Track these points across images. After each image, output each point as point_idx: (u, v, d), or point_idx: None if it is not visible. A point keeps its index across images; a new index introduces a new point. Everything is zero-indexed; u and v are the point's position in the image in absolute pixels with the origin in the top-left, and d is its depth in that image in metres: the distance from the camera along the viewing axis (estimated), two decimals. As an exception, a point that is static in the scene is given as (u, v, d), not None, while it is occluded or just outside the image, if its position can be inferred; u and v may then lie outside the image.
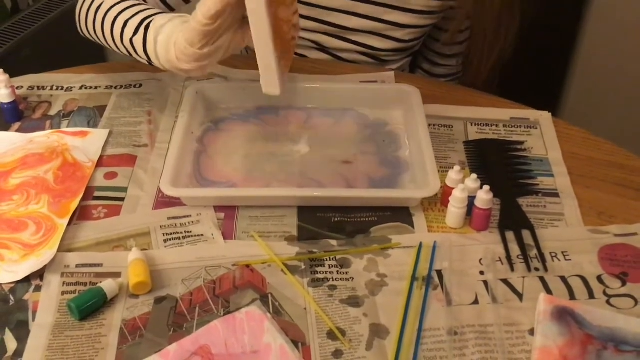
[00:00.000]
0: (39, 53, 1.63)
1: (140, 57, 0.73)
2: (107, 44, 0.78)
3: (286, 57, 0.68)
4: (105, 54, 1.86)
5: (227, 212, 0.72)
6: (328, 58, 0.99)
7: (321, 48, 0.99)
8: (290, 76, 0.90)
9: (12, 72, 1.56)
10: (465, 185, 0.69)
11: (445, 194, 0.71)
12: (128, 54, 0.76)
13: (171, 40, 0.67)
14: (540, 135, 0.82)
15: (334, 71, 0.94)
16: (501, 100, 0.88)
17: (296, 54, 0.99)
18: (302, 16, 0.95)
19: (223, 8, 0.62)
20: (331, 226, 0.71)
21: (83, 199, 0.72)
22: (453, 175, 0.70)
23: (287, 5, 0.66)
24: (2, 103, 0.81)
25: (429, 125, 0.80)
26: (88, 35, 0.83)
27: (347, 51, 0.98)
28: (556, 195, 0.74)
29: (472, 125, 0.84)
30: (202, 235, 0.69)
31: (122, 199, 0.73)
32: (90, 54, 1.81)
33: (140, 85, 0.89)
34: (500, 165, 0.78)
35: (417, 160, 0.76)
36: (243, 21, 0.66)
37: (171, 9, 0.86)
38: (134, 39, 0.72)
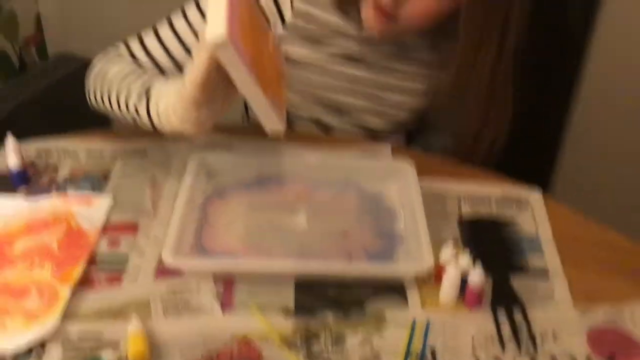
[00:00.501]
0: (45, 111, 1.67)
1: (145, 124, 0.76)
2: (115, 114, 0.82)
3: (279, 94, 0.71)
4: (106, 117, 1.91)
5: (226, 283, 0.74)
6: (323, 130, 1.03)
7: (316, 122, 1.02)
8: (288, 148, 0.93)
9: (19, 130, 1.59)
10: (458, 264, 0.71)
11: (438, 270, 0.74)
12: (134, 122, 0.79)
13: (169, 109, 0.71)
14: (531, 213, 0.85)
15: (332, 144, 0.97)
16: (494, 175, 0.91)
17: (291, 126, 1.03)
18: (298, 92, 0.99)
19: (207, 75, 0.65)
20: (327, 299, 0.72)
21: (87, 267, 0.73)
22: (446, 252, 0.73)
23: (265, 55, 0.69)
24: (10, 169, 0.83)
25: (424, 199, 0.82)
26: (98, 107, 0.86)
27: (342, 126, 1.02)
28: (546, 274, 0.76)
29: (465, 200, 0.87)
30: (201, 306, 0.70)
31: (124, 268, 0.74)
32: (95, 114, 1.86)
33: (145, 153, 0.92)
34: (492, 243, 0.80)
35: (412, 234, 0.79)
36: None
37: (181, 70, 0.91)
38: (138, 109, 0.76)
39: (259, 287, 0.73)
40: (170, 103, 0.71)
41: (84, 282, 0.72)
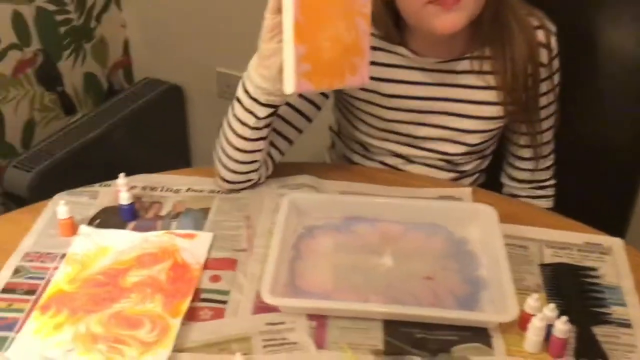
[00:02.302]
0: (132, 132, 1.77)
1: (244, 106, 0.89)
2: (233, 150, 0.93)
3: (320, 67, 0.76)
4: (189, 140, 1.99)
5: (319, 320, 0.79)
6: (401, 162, 1.07)
7: (394, 154, 1.07)
8: (372, 188, 0.98)
9: (107, 154, 1.69)
10: (544, 315, 0.74)
11: (523, 319, 0.76)
12: (242, 136, 0.92)
13: (253, 59, 0.86)
14: (613, 262, 0.87)
15: (413, 183, 1.01)
16: (576, 223, 0.93)
17: (369, 157, 1.08)
18: (371, 126, 1.04)
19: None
20: (415, 342, 0.76)
21: (191, 300, 0.80)
22: (532, 302, 0.76)
23: (342, 2, 0.75)
24: (121, 205, 0.91)
25: (505, 244, 0.85)
26: (227, 171, 0.96)
27: (419, 157, 1.06)
28: (629, 326, 0.78)
29: (547, 247, 0.89)
30: (297, 343, 0.76)
31: (225, 302, 0.81)
32: (176, 137, 1.95)
33: (239, 191, 0.99)
34: (575, 291, 0.83)
35: (495, 280, 0.82)
36: None
37: (307, 119, 0.99)
38: (237, 97, 0.91)
39: (350, 325, 0.78)
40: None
41: (190, 315, 0.79)
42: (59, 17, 1.71)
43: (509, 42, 0.96)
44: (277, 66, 0.81)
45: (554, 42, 1.00)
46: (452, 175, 1.09)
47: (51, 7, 1.68)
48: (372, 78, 0.97)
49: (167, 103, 1.90)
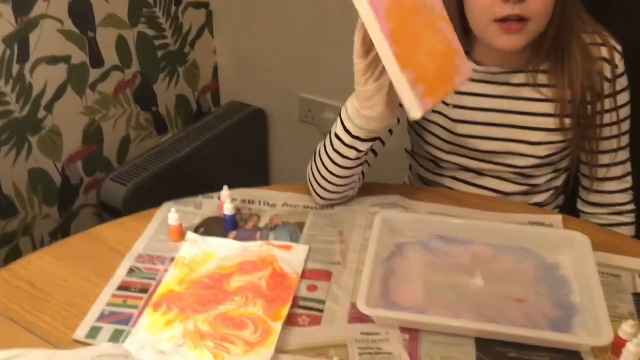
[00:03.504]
0: (216, 154, 1.86)
1: (344, 143, 0.92)
2: (330, 175, 0.97)
3: (431, 81, 0.78)
4: (269, 161, 2.07)
5: (411, 333, 0.82)
6: (471, 175, 1.10)
7: (463, 168, 1.10)
8: (461, 210, 1.01)
9: (193, 172, 1.76)
10: (639, 340, 0.74)
11: (616, 344, 0.77)
12: (339, 164, 0.95)
13: (351, 100, 0.89)
14: None
15: (502, 208, 1.03)
16: (668, 255, 0.93)
17: (440, 174, 1.12)
18: (440, 138, 1.08)
19: (363, 42, 0.79)
20: (507, 360, 0.78)
21: (290, 307, 0.84)
22: (627, 328, 0.76)
23: (423, 15, 0.78)
24: (225, 215, 0.97)
25: (598, 272, 0.86)
26: (322, 190, 1.00)
27: (488, 170, 1.08)
28: None
29: (639, 277, 0.89)
30: (391, 353, 0.79)
31: (322, 310, 0.85)
32: (257, 158, 2.03)
33: (332, 207, 1.03)
34: (670, 321, 0.83)
35: (588, 306, 0.83)
36: None
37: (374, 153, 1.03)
38: (335, 131, 0.94)
39: (441, 340, 0.81)
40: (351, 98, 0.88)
41: (289, 320, 0.83)
42: (157, 42, 1.82)
43: (567, 55, 0.99)
44: (381, 104, 0.85)
45: (618, 59, 1.01)
46: (523, 188, 1.10)
47: (151, 32, 1.79)
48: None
49: (250, 125, 1.98)
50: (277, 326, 0.81)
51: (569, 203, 1.17)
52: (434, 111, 1.07)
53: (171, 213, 0.94)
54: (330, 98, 1.81)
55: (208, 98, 2.06)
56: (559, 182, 1.12)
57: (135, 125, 1.83)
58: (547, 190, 1.12)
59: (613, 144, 1.05)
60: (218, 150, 1.87)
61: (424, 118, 1.06)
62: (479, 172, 1.10)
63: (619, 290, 0.87)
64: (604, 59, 1.01)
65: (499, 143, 1.06)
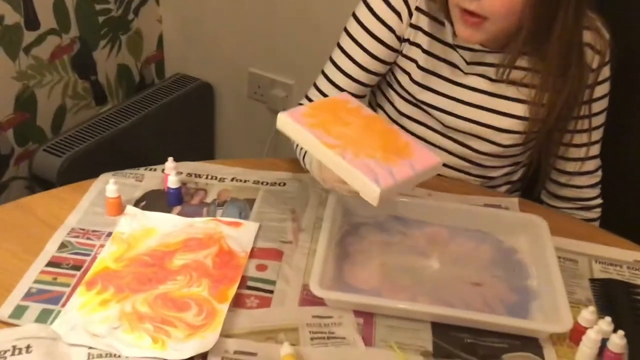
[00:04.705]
0: (158, 128, 1.77)
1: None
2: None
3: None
4: (214, 138, 2.00)
5: (366, 317, 0.78)
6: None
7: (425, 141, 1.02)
8: (418, 191, 0.97)
9: (134, 146, 1.68)
10: (600, 328, 0.72)
11: (575, 331, 0.75)
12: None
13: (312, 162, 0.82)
14: (665, 282, 0.86)
15: (457, 190, 1.00)
16: (625, 241, 0.92)
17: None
18: (412, 116, 1.02)
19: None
20: (464, 347, 0.75)
21: (238, 287, 0.79)
22: (587, 315, 0.74)
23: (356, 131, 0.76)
24: (169, 188, 0.90)
25: (554, 256, 0.84)
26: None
27: (449, 151, 1.02)
28: (683, 345, 0.77)
29: (596, 262, 0.88)
30: (344, 338, 0.74)
31: (272, 292, 0.79)
32: (202, 134, 1.95)
33: (284, 184, 0.98)
34: (626, 307, 0.81)
35: (546, 291, 0.80)
36: None
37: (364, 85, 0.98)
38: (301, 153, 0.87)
39: (397, 325, 0.77)
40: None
41: (237, 302, 0.77)
42: (99, 7, 1.71)
43: (547, 39, 0.89)
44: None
45: (604, 47, 0.93)
46: (479, 180, 1.05)
47: (92, -4, 1.68)
48: (413, 43, 0.96)
49: (196, 100, 1.90)
50: (223, 308, 0.75)
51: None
52: (402, 69, 1.00)
53: (109, 184, 0.87)
54: (281, 74, 1.75)
55: (152, 69, 1.96)
56: (515, 176, 1.09)
57: (73, 94, 1.72)
58: (504, 184, 1.08)
59: (584, 138, 1.00)
60: (161, 125, 1.79)
61: (397, 65, 1.00)
62: (439, 148, 1.03)
63: (576, 275, 0.86)
64: (588, 45, 0.93)
65: (464, 123, 0.99)
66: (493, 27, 0.87)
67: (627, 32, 0.99)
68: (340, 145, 0.74)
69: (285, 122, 0.76)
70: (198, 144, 1.96)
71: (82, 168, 1.57)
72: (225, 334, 0.73)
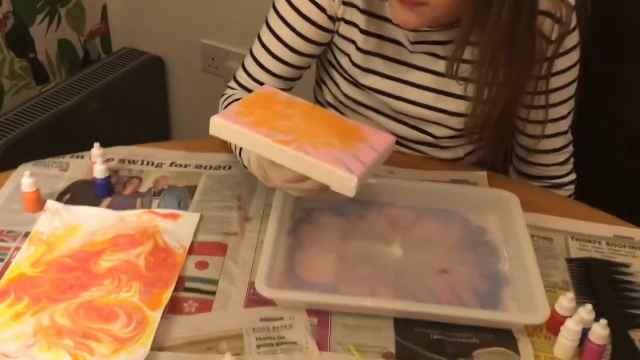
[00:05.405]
0: (108, 104, 1.66)
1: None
2: None
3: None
4: (169, 115, 1.89)
5: (321, 316, 0.69)
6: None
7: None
8: (381, 169, 0.88)
9: (81, 127, 1.57)
10: (580, 317, 0.65)
11: (553, 320, 0.67)
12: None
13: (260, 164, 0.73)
14: (647, 257, 0.78)
15: (421, 165, 0.91)
16: (603, 214, 0.85)
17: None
18: (359, 100, 0.92)
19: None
20: (430, 344, 0.67)
21: (174, 290, 0.69)
22: (565, 303, 0.67)
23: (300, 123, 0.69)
24: (96, 178, 0.80)
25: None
26: None
27: (404, 137, 0.93)
28: (668, 329, 0.70)
29: (572, 239, 0.81)
30: (295, 343, 0.66)
31: (213, 293, 0.70)
32: (155, 111, 1.84)
33: (230, 168, 0.88)
34: (607, 290, 0.74)
35: (520, 276, 0.73)
36: None
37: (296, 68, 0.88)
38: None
39: (356, 324, 0.68)
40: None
41: (173, 307, 0.68)
42: (33, -23, 1.58)
43: (494, 9, 0.75)
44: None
45: (566, 14, 0.81)
46: (445, 161, 0.94)
47: (24, -34, 1.55)
48: (350, 22, 0.85)
49: (146, 74, 1.79)
50: (156, 315, 0.66)
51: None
52: (342, 52, 0.90)
53: (24, 177, 0.76)
54: (236, 45, 1.64)
55: (97, 44, 1.84)
56: (477, 151, 0.96)
57: (10, 74, 1.60)
58: (475, 163, 0.97)
59: (540, 114, 0.88)
60: (109, 103, 1.68)
61: (335, 45, 0.90)
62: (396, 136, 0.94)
63: (552, 255, 0.78)
64: (546, 14, 0.81)
65: (415, 108, 0.89)
66: (432, 12, 0.75)
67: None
68: (295, 140, 0.65)
69: (222, 126, 0.67)
70: (152, 122, 1.86)
71: (23, 153, 1.44)
72: (157, 347, 0.64)
